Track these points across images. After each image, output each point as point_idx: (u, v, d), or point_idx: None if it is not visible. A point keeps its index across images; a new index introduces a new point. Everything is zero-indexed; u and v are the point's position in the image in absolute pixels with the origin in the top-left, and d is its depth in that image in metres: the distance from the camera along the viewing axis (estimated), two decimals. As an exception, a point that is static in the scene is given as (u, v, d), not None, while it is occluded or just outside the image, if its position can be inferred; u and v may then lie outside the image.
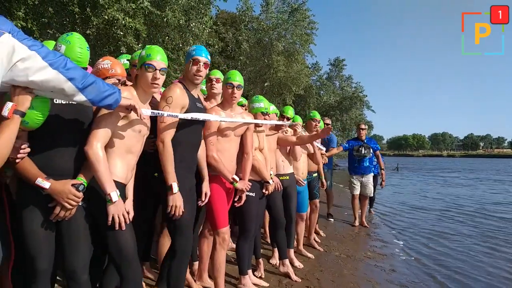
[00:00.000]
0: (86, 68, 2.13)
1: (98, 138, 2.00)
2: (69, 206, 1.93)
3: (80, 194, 1.96)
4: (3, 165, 1.84)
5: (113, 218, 2.02)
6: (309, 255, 4.82)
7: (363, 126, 7.06)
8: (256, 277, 3.84)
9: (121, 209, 2.05)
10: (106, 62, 2.49)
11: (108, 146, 2.09)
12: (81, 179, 2.01)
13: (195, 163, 2.73)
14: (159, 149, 2.41)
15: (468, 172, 30.98)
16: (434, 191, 15.18)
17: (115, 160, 2.13)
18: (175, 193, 2.40)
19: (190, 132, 2.59)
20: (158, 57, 2.24)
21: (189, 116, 2.48)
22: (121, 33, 8.34)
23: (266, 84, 18.36)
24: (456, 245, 6.04)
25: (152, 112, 2.28)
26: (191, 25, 9.87)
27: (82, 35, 2.18)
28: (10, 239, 2.10)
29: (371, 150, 6.89)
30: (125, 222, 2.07)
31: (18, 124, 1.59)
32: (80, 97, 1.74)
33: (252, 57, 18.92)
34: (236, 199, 3.13)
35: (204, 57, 2.59)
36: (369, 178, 6.95)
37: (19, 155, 1.80)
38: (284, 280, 3.93)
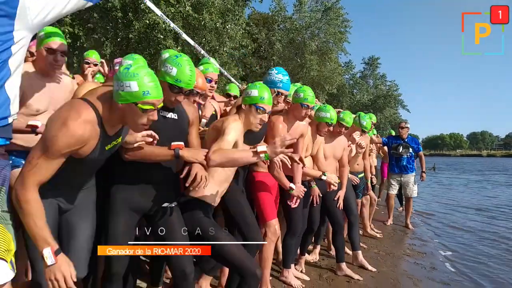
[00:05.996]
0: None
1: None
2: (203, 170, 2.02)
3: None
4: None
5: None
6: (348, 251, 4.86)
7: (403, 125, 6.86)
8: (297, 270, 3.95)
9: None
10: None
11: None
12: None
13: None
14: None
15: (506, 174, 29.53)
16: (472, 190, 14.70)
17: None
18: None
19: None
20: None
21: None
22: (161, 36, 8.68)
23: (299, 83, 18.36)
24: (496, 244, 5.91)
25: None
26: (227, 27, 10.10)
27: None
28: None
29: (411, 150, 6.72)
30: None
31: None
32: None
33: (284, 57, 19.04)
34: (292, 201, 3.15)
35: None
36: (409, 178, 6.79)
37: (144, 134, 1.93)
38: (324, 274, 4.03)
